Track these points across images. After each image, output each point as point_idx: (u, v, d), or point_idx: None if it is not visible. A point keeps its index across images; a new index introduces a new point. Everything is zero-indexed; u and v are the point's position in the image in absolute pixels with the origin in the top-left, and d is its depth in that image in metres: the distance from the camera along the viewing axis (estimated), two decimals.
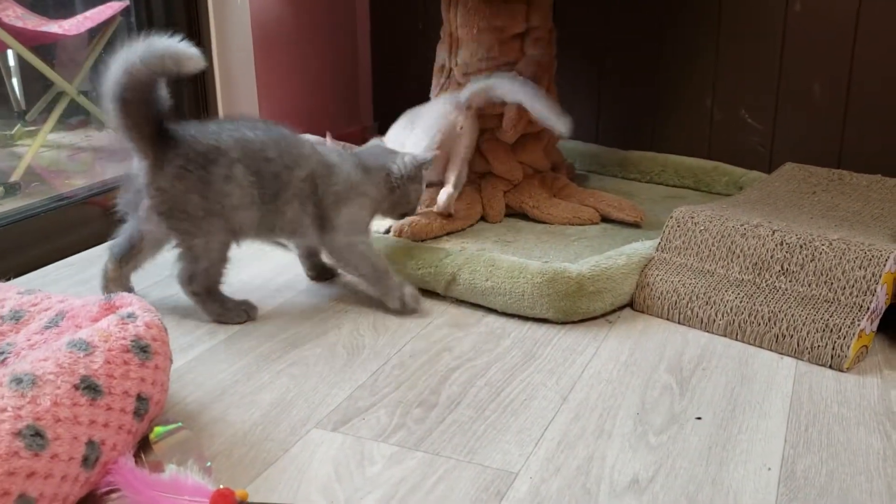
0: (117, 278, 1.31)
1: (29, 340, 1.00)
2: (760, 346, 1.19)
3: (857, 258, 1.16)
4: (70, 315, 1.02)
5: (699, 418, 1.01)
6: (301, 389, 1.09)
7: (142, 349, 0.93)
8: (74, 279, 1.46)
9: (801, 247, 1.20)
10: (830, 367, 1.12)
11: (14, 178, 2.36)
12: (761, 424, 1.01)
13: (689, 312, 1.25)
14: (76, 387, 0.84)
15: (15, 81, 2.78)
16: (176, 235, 1.24)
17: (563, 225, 1.58)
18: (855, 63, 1.64)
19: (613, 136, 1.95)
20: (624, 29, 1.89)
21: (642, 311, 1.30)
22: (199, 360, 1.17)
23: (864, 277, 1.14)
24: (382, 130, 2.33)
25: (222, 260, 1.27)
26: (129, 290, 1.34)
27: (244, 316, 1.29)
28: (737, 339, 1.20)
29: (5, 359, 1.00)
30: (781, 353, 1.17)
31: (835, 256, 1.17)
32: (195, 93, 1.91)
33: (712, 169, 1.79)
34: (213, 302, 1.28)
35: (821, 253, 1.19)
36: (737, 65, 1.76)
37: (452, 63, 1.61)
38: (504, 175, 1.60)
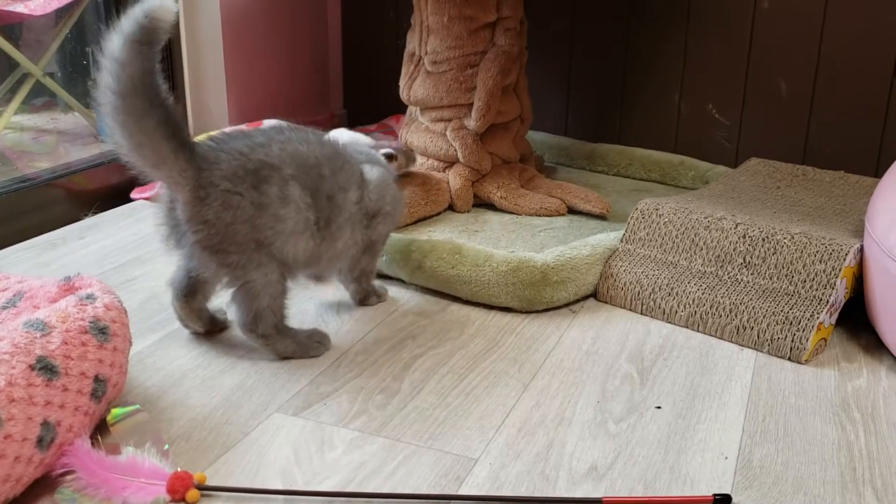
0: (190, 315, 1.15)
1: None
2: (721, 338, 1.20)
3: (817, 252, 1.17)
4: (28, 295, 1.00)
5: (659, 407, 1.02)
6: (262, 375, 1.08)
7: (100, 330, 0.91)
8: (35, 262, 1.44)
9: (763, 240, 1.22)
10: (790, 359, 1.14)
11: None
12: (720, 414, 1.02)
13: (651, 303, 1.26)
14: (32, 367, 0.82)
15: None
16: (228, 272, 1.05)
17: (531, 216, 1.59)
18: (821, 60, 1.66)
19: (582, 128, 1.96)
20: (593, 22, 1.89)
21: (606, 302, 1.30)
22: (160, 344, 1.16)
23: (824, 271, 1.16)
24: (352, 118, 2.33)
25: (284, 292, 1.09)
26: (214, 320, 1.17)
27: (321, 349, 1.13)
28: (698, 331, 1.22)
29: None
30: (742, 345, 1.18)
31: (796, 250, 1.19)
32: (162, 76, 1.89)
33: (679, 163, 1.80)
34: (283, 340, 1.10)
35: (783, 246, 1.20)
36: (705, 60, 1.78)
37: (422, 51, 1.61)
38: (472, 165, 1.60)
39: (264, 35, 2.03)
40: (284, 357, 1.11)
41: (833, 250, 1.16)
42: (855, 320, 1.23)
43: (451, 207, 1.62)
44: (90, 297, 0.95)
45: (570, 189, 1.62)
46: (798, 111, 1.70)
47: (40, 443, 0.81)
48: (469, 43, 1.56)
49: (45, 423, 0.81)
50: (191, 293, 1.13)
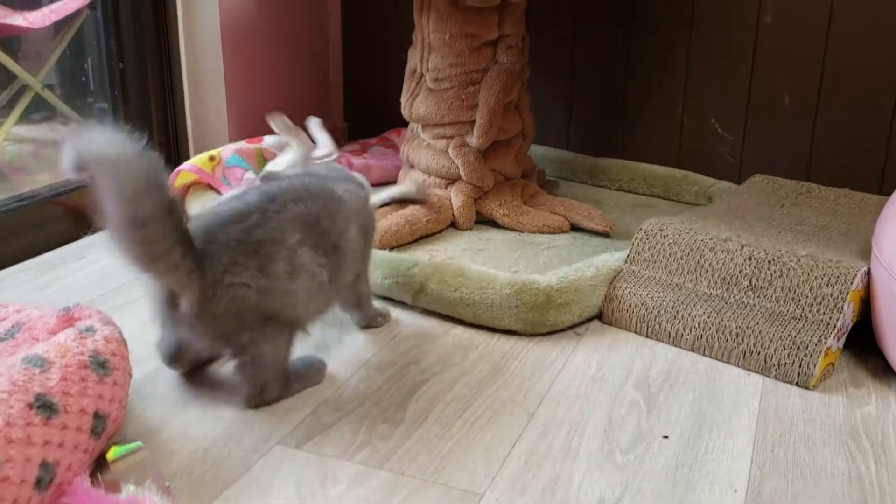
0: (179, 368, 1.12)
1: None
2: (728, 362, 1.19)
3: (824, 275, 1.16)
4: (27, 327, 0.99)
5: (666, 437, 1.01)
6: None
7: (100, 364, 0.90)
8: (34, 283, 1.43)
9: (769, 262, 1.21)
10: (797, 384, 1.13)
11: None
12: (728, 444, 1.00)
13: (657, 326, 1.24)
14: (30, 406, 0.81)
15: None
16: (236, 351, 1.01)
17: (533, 233, 1.58)
18: (825, 76, 1.64)
19: (584, 142, 1.95)
20: (595, 35, 1.88)
21: (611, 324, 1.29)
22: (160, 372, 1.14)
23: (831, 295, 1.15)
24: (352, 131, 2.31)
25: (290, 354, 1.06)
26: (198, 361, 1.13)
27: (321, 374, 1.11)
28: (704, 355, 1.20)
29: None
30: (749, 370, 1.17)
31: (802, 273, 1.18)
32: (161, 90, 1.88)
33: (682, 178, 1.79)
34: (287, 388, 1.07)
35: (789, 269, 1.19)
36: (708, 74, 1.77)
37: (424, 68, 1.59)
38: (474, 182, 1.59)
39: (264, 48, 2.02)
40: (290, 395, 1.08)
41: (840, 273, 1.15)
42: (862, 343, 1.21)
43: (453, 225, 1.60)
44: (90, 329, 0.94)
45: (572, 206, 1.61)
46: (802, 126, 1.68)
47: (39, 484, 0.79)
48: (471, 60, 1.55)
49: (44, 464, 0.80)
50: (177, 359, 1.09)
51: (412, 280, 1.29)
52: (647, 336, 1.26)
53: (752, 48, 1.69)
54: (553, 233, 1.58)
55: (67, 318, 0.98)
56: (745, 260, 1.22)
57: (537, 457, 0.97)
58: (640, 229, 1.32)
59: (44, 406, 0.82)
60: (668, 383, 1.14)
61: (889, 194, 1.53)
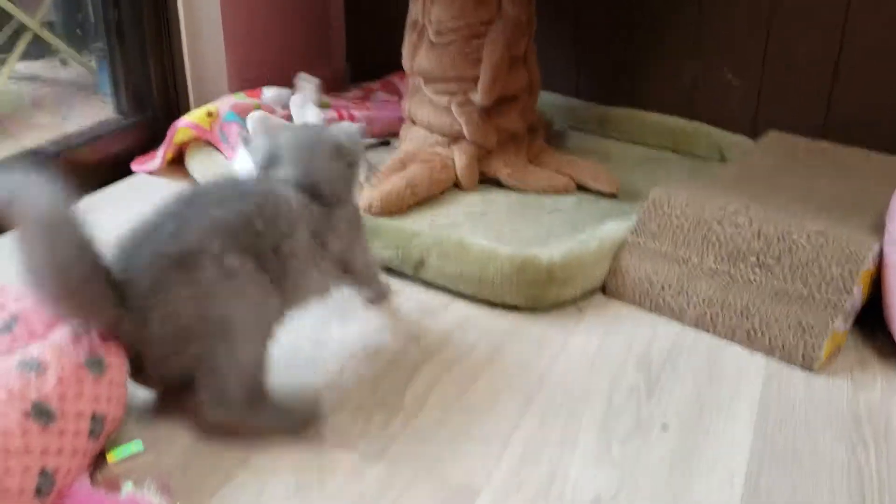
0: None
1: None
2: (732, 341, 1.17)
3: (834, 254, 1.13)
4: (23, 319, 0.98)
5: (665, 424, 1.01)
6: None
7: (96, 364, 0.90)
8: None
9: (778, 238, 1.18)
10: (801, 366, 1.11)
11: None
12: (727, 430, 1.00)
13: (660, 301, 1.23)
14: (27, 414, 0.81)
15: None
16: (191, 363, 0.93)
17: (539, 193, 1.54)
18: (847, 26, 1.57)
19: (593, 89, 1.89)
20: None
21: (614, 297, 1.27)
22: None
23: (841, 275, 1.12)
24: (355, 72, 2.25)
25: (258, 367, 0.96)
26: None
27: (308, 426, 0.98)
28: (708, 332, 1.19)
29: None
30: (752, 350, 1.15)
31: (812, 251, 1.15)
32: (157, 34, 1.82)
33: (692, 130, 1.74)
34: (255, 406, 0.95)
35: (798, 246, 1.16)
36: (722, 20, 1.69)
37: (426, 20, 1.53)
38: (478, 141, 1.55)
39: None
40: (263, 434, 0.96)
41: (851, 253, 1.12)
42: (872, 321, 1.19)
43: (456, 185, 1.57)
44: (86, 329, 0.93)
45: (579, 165, 1.57)
46: (821, 76, 1.61)
47: (39, 492, 0.80)
48: (475, 12, 1.49)
49: (44, 472, 0.81)
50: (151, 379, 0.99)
51: (412, 253, 1.27)
52: (649, 310, 1.24)
53: None
54: (558, 193, 1.54)
55: None
56: (753, 235, 1.19)
57: (534, 448, 0.97)
58: (648, 199, 1.29)
59: (41, 413, 0.82)
60: (669, 364, 1.13)
61: None
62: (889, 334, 1.15)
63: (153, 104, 1.86)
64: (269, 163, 1.06)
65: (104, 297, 0.88)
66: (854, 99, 1.61)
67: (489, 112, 1.55)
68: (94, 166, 1.72)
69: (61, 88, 2.67)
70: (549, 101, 1.87)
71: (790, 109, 1.67)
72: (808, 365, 1.11)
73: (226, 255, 0.91)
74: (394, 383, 1.08)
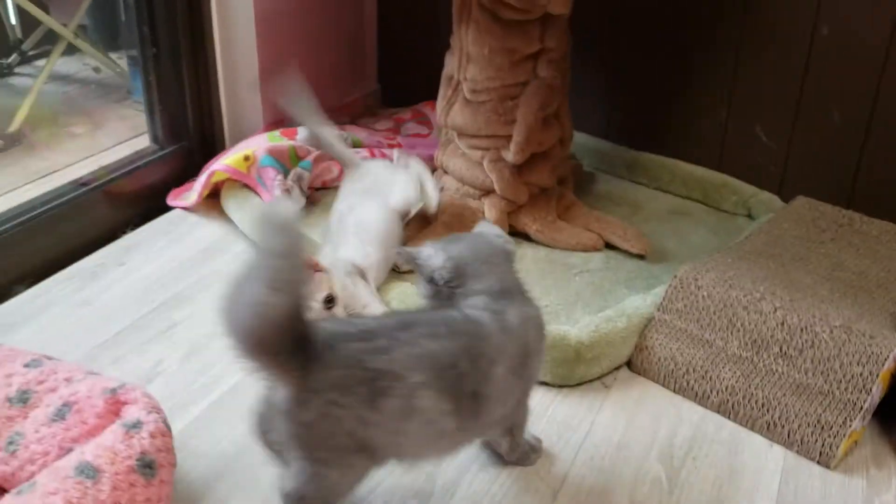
0: (269, 447, 1.00)
1: (37, 433, 1.02)
2: (752, 430, 1.21)
3: (856, 352, 1.16)
4: (76, 409, 1.03)
5: None
6: None
7: (147, 466, 0.95)
8: (74, 299, 1.45)
9: (801, 329, 1.21)
10: (818, 462, 1.15)
11: (12, 128, 2.31)
12: None
13: (684, 384, 1.26)
14: None
15: (10, 10, 2.68)
16: (303, 459, 0.91)
17: (567, 250, 1.57)
18: (880, 95, 1.57)
19: (625, 131, 1.90)
20: (642, 26, 1.80)
21: (639, 374, 1.31)
22: (201, 422, 1.19)
23: (861, 374, 1.15)
24: (386, 95, 2.27)
25: (350, 492, 0.96)
26: None
27: None
28: (729, 419, 1.23)
29: (15, 451, 1.02)
30: (772, 441, 1.19)
31: (835, 346, 1.18)
32: (194, 66, 1.84)
33: (721, 184, 1.75)
34: None
35: (821, 341, 1.19)
36: (756, 80, 1.69)
37: (461, 76, 1.55)
38: (508, 197, 1.57)
39: (298, 7, 1.95)
40: None
41: (872, 353, 1.15)
42: (889, 414, 1.22)
43: None
44: (136, 425, 0.98)
45: (608, 223, 1.60)
46: (849, 145, 1.62)
47: None
48: (510, 74, 1.50)
49: None
50: (270, 432, 0.99)
51: None
52: (674, 391, 1.28)
53: (805, 58, 1.62)
54: (586, 251, 1.57)
55: (114, 402, 1.03)
56: (777, 324, 1.22)
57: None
58: (675, 277, 1.32)
59: None
60: (690, 455, 1.16)
61: None
62: None
63: (188, 134, 1.89)
64: (456, 279, 1.01)
65: (295, 358, 0.86)
66: (882, 169, 1.62)
67: (520, 168, 1.57)
68: (132, 197, 1.77)
69: (93, 91, 2.70)
70: (579, 141, 1.89)
71: (818, 173, 1.68)
72: (825, 462, 1.15)
73: (421, 391, 0.89)
74: (424, 468, 1.12)
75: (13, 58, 2.67)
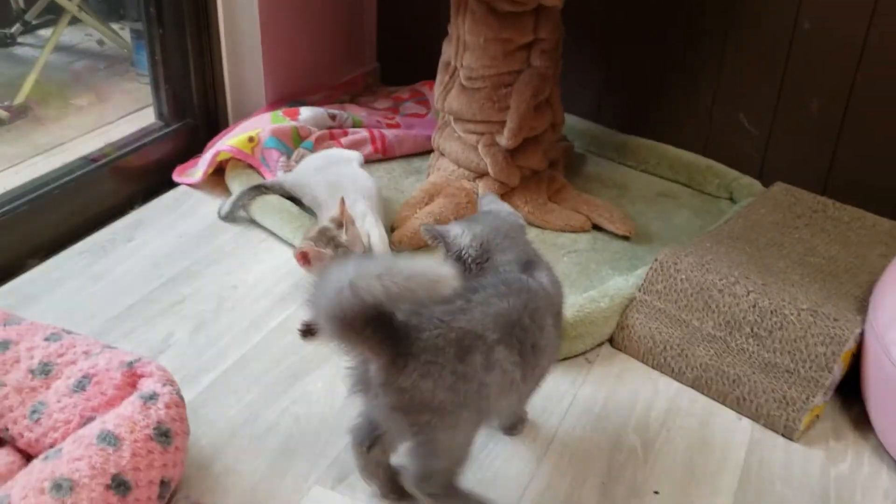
0: (368, 467, 1.08)
1: (59, 402, 1.10)
2: (723, 404, 1.30)
3: (821, 334, 1.25)
4: (95, 381, 1.11)
5: (657, 492, 1.14)
6: (304, 435, 1.21)
7: (163, 434, 1.03)
8: (87, 275, 1.53)
9: (772, 312, 1.29)
10: (782, 435, 1.24)
11: (18, 100, 2.37)
12: (712, 502, 1.13)
13: (662, 360, 1.35)
14: (108, 487, 0.95)
15: None
16: (415, 429, 0.98)
17: (556, 231, 1.65)
18: (855, 88, 1.64)
19: (615, 116, 1.97)
20: (633, 16, 1.86)
21: (620, 350, 1.40)
22: (211, 392, 1.28)
23: (824, 354, 1.24)
24: (385, 73, 2.33)
25: (466, 456, 1.04)
26: (393, 484, 1.09)
27: None
28: (702, 394, 1.32)
29: (39, 419, 1.11)
30: (741, 414, 1.28)
31: (801, 328, 1.26)
32: (197, 31, 1.90)
33: (706, 168, 1.83)
34: (453, 491, 1.04)
35: (789, 322, 1.27)
36: (740, 70, 1.76)
37: (458, 63, 1.62)
38: (502, 180, 1.65)
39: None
40: None
41: (835, 335, 1.24)
42: (851, 387, 1.31)
43: None
44: (152, 397, 1.06)
45: (595, 206, 1.68)
46: (827, 133, 1.70)
47: None
48: (504, 63, 1.57)
49: None
50: (372, 444, 1.06)
51: None
52: (652, 367, 1.37)
53: (786, 51, 1.68)
54: (575, 231, 1.65)
55: (131, 374, 1.11)
56: (749, 307, 1.31)
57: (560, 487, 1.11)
58: (656, 260, 1.40)
59: (120, 485, 0.97)
60: (665, 427, 1.26)
61: None
62: (864, 406, 1.28)
63: (193, 111, 1.95)
64: (483, 255, 1.09)
65: (383, 329, 0.93)
66: (855, 158, 1.70)
67: (513, 153, 1.64)
68: (139, 173, 1.84)
69: (96, 62, 2.75)
70: (571, 124, 1.95)
71: (797, 160, 1.76)
72: (788, 434, 1.24)
73: (497, 347, 0.98)
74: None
75: (16, 27, 2.72)
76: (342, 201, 1.41)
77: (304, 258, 1.36)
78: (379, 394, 0.96)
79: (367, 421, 1.05)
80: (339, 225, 1.40)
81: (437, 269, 0.90)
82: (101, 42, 2.69)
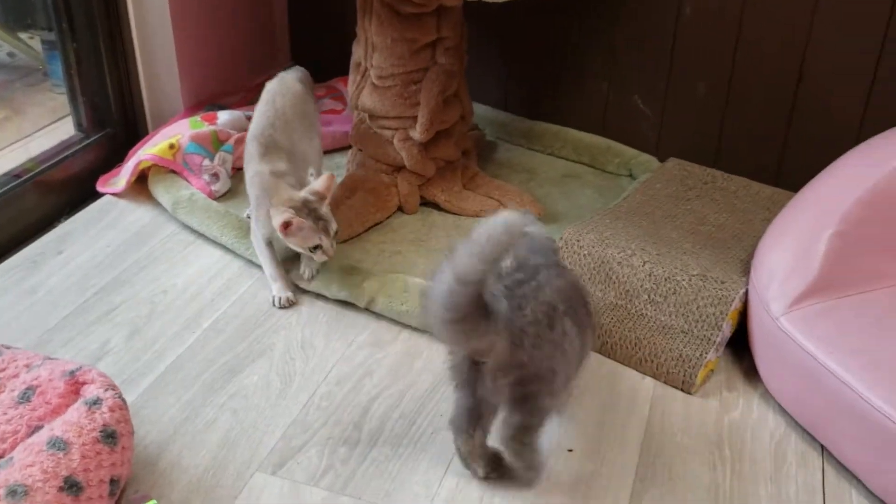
0: (474, 452, 1.18)
1: (5, 415, 1.16)
2: (627, 366, 1.43)
3: (710, 296, 1.38)
4: (39, 391, 1.17)
5: (570, 450, 1.26)
6: (243, 427, 1.29)
7: (110, 436, 1.10)
8: (20, 288, 1.57)
9: (665, 279, 1.42)
10: (681, 390, 1.38)
11: None
12: (620, 456, 1.26)
13: None
14: (61, 489, 1.02)
15: None
16: (525, 399, 1.11)
17: (472, 217, 1.76)
18: (735, 68, 1.79)
19: (521, 103, 2.08)
20: (531, 11, 1.96)
21: None
22: (151, 393, 1.35)
23: (713, 314, 1.37)
24: None
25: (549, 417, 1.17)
26: (495, 463, 1.20)
27: (538, 479, 1.20)
28: (609, 358, 1.44)
29: None
30: (643, 374, 1.41)
31: (692, 292, 1.39)
32: (111, 42, 1.94)
33: (606, 148, 1.96)
34: (531, 453, 1.17)
35: (681, 288, 1.40)
36: (632, 56, 1.89)
37: (368, 63, 1.70)
38: (418, 171, 1.74)
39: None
40: (528, 473, 1.19)
41: (722, 296, 1.37)
42: (741, 342, 1.45)
43: (400, 209, 1.77)
44: (96, 402, 1.13)
45: (506, 191, 1.78)
46: (713, 112, 1.84)
47: None
48: (411, 62, 1.66)
49: None
50: (472, 428, 1.16)
51: (362, 295, 1.49)
52: None
53: (671, 37, 1.81)
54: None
55: (74, 383, 1.17)
56: (646, 276, 1.43)
57: (467, 476, 1.21)
58: (561, 238, 1.51)
59: (72, 486, 1.04)
60: (578, 388, 1.37)
61: (783, 185, 1.72)
62: (752, 358, 1.42)
63: (112, 121, 1.99)
64: (528, 276, 1.13)
65: (497, 323, 1.05)
66: (739, 132, 1.85)
67: (427, 145, 1.74)
68: (63, 186, 1.87)
69: (9, 74, 2.72)
70: (480, 112, 2.06)
71: (689, 136, 1.90)
72: (686, 389, 1.37)
73: (564, 318, 1.11)
74: (352, 418, 1.31)
75: None
76: (331, 177, 1.50)
77: (287, 227, 1.45)
78: (498, 376, 1.08)
79: (465, 409, 1.15)
80: (322, 198, 1.49)
81: (502, 220, 0.98)
82: (11, 54, 2.68)
